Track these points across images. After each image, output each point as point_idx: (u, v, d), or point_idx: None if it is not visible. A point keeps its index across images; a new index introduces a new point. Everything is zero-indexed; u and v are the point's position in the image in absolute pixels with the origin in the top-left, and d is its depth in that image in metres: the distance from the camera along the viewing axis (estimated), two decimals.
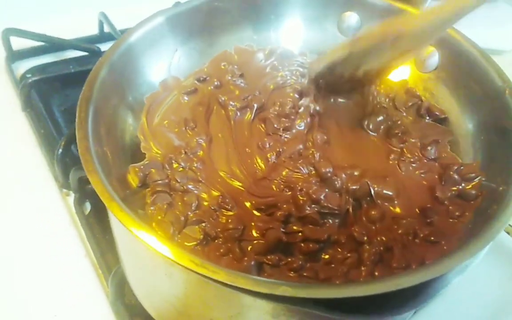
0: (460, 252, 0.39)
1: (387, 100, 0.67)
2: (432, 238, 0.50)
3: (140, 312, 0.54)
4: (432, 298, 0.40)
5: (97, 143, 0.47)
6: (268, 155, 0.58)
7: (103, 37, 0.97)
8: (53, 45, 0.92)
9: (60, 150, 0.68)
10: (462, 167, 0.57)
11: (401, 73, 0.70)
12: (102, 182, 0.41)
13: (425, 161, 0.59)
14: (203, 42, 0.71)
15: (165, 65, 0.67)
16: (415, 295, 0.39)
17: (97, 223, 0.65)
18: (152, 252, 0.37)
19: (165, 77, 0.66)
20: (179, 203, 0.52)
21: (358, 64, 0.61)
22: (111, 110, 0.56)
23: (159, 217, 0.50)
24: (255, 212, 0.53)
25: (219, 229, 0.50)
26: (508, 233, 0.68)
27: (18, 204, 0.68)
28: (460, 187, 0.55)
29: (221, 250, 0.48)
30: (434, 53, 0.69)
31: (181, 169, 0.56)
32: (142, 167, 0.54)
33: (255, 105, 0.64)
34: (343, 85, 0.64)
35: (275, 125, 0.61)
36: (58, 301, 0.58)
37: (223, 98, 0.64)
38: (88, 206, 0.68)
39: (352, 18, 0.75)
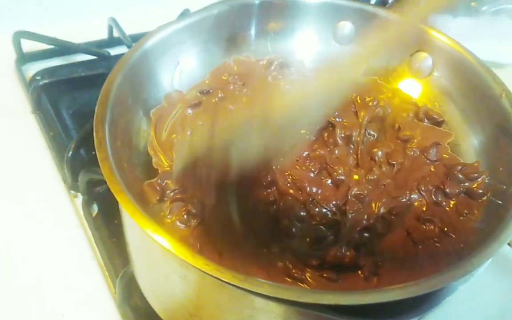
0: (465, 262, 0.40)
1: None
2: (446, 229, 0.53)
3: (148, 314, 0.55)
4: (438, 305, 0.41)
5: (116, 160, 0.47)
6: None
7: (112, 41, 0.98)
8: (63, 48, 0.93)
9: (70, 153, 0.69)
10: (464, 167, 0.59)
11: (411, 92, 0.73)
12: (129, 198, 0.42)
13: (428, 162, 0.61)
14: (210, 51, 0.72)
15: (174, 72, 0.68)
16: (421, 302, 0.40)
17: (104, 226, 0.65)
18: (168, 255, 0.37)
19: (169, 91, 0.67)
20: None
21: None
22: (125, 121, 0.56)
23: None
24: None
25: None
26: (509, 244, 0.68)
27: (26, 205, 0.68)
28: (467, 184, 0.57)
29: None
30: (427, 58, 0.71)
31: None
32: (158, 181, 0.55)
33: None
34: None
35: None
36: (65, 302, 0.58)
37: (231, 107, 0.65)
38: (95, 208, 0.69)
39: (346, 27, 0.76)
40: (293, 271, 0.48)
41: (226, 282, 0.36)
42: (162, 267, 0.44)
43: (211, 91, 0.68)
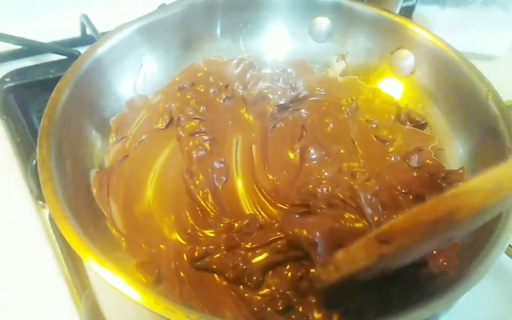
0: (445, 294, 0.37)
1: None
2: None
3: None
4: None
5: (63, 179, 0.44)
6: None
7: (85, 40, 0.94)
8: (33, 48, 0.89)
9: (35, 162, 0.65)
10: (448, 175, 0.56)
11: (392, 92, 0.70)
12: (74, 229, 0.39)
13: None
14: (176, 52, 0.70)
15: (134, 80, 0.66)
16: None
17: None
18: (120, 295, 0.34)
19: (131, 96, 0.64)
20: None
21: (390, 264, 0.42)
22: (77, 136, 0.54)
23: None
24: None
25: None
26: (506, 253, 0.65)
27: None
28: None
29: None
30: (409, 56, 0.68)
31: None
32: None
33: None
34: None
35: None
36: None
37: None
38: None
39: (323, 23, 0.74)
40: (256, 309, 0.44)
41: None
42: (115, 298, 0.41)
43: (186, 87, 0.66)
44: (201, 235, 0.51)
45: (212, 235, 0.50)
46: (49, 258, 0.61)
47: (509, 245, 0.62)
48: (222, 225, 0.51)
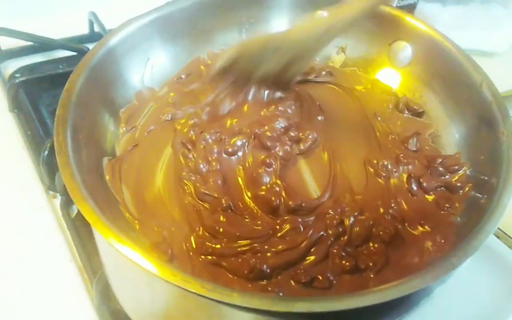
0: (442, 264, 0.39)
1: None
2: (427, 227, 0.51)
3: (125, 317, 0.53)
4: (415, 307, 0.40)
5: (79, 165, 0.46)
6: None
7: (93, 37, 0.97)
8: (42, 45, 0.91)
9: (46, 152, 0.67)
10: (445, 160, 0.58)
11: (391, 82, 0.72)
12: (91, 207, 0.41)
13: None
14: (182, 46, 0.71)
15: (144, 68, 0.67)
16: (398, 305, 0.39)
17: (83, 226, 0.64)
18: (133, 265, 0.36)
19: (139, 88, 0.66)
20: None
21: (251, 67, 0.61)
22: (91, 123, 0.55)
23: None
24: None
25: None
26: (497, 236, 0.67)
27: (3, 206, 0.67)
28: (447, 177, 0.56)
29: None
30: (406, 47, 0.70)
31: None
32: None
33: None
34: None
35: None
36: (42, 306, 0.57)
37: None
38: (75, 209, 0.67)
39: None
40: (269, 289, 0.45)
41: (194, 293, 0.35)
42: (130, 275, 0.43)
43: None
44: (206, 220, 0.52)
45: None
46: (60, 245, 0.63)
47: (506, 234, 0.65)
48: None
